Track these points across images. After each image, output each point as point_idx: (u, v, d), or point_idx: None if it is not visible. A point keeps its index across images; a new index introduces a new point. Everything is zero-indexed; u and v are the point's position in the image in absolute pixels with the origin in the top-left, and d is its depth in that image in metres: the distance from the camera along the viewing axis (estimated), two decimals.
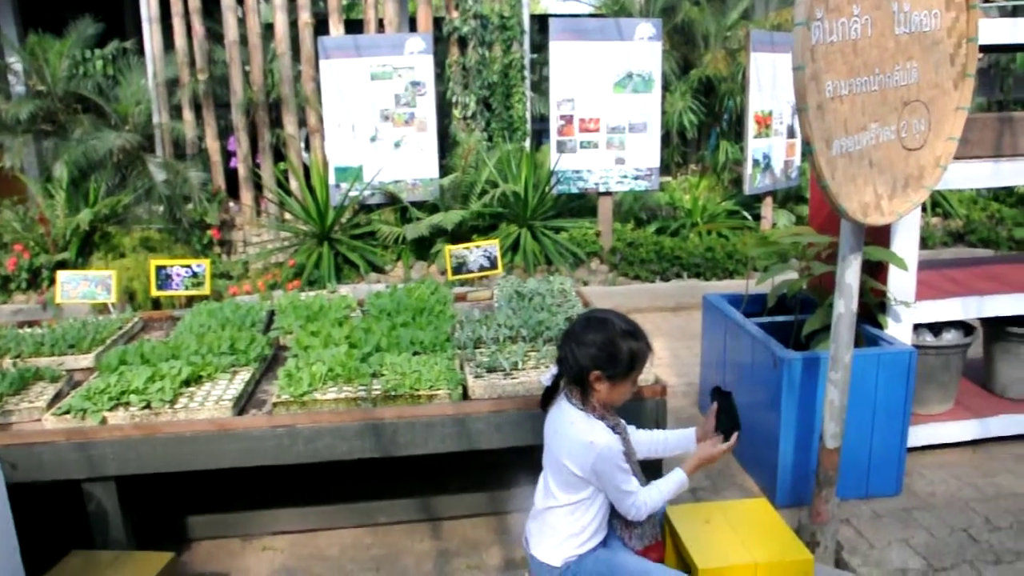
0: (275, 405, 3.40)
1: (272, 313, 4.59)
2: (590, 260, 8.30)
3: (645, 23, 8.21)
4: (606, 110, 8.28)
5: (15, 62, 9.63)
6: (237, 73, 8.90)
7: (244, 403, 3.55)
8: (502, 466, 3.83)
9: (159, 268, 5.01)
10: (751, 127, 8.46)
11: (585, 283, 7.99)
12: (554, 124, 8.29)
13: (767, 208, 8.84)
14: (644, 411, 3.41)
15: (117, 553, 3.28)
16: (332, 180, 8.29)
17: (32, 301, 8.08)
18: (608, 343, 2.52)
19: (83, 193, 8.52)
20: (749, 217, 8.88)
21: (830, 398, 3.29)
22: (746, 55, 8.44)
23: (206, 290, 5.08)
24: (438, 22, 9.39)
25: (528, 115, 9.30)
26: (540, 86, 10.19)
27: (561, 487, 2.60)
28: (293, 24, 8.90)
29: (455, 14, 9.03)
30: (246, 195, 9.24)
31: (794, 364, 3.81)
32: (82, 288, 4.92)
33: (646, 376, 3.49)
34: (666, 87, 9.95)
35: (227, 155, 9.38)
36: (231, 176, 9.42)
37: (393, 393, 3.38)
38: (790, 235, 4.48)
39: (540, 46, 10.12)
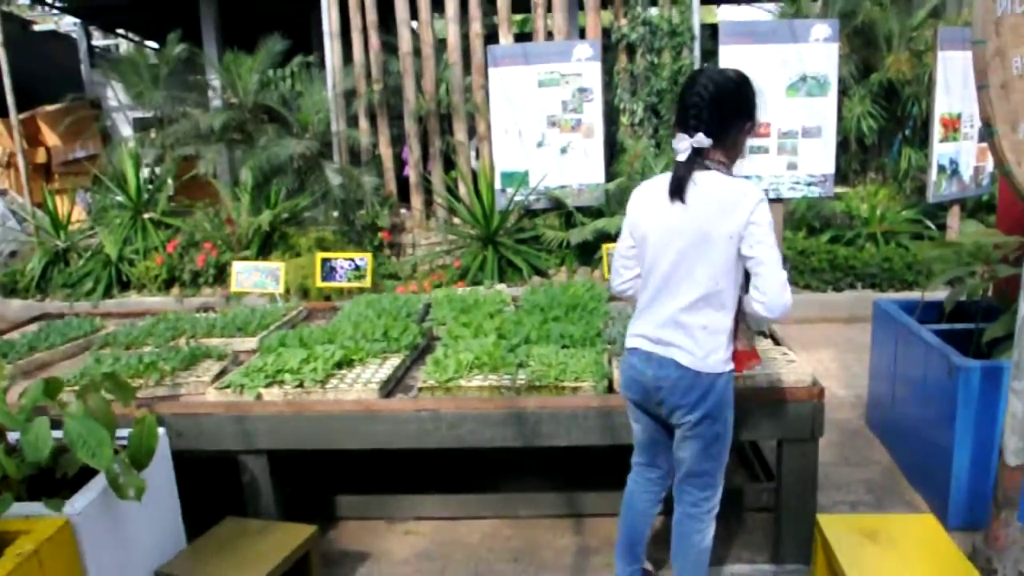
0: (420, 390, 3.43)
1: (428, 305, 4.66)
2: None
3: (821, 24, 7.82)
4: (778, 114, 7.94)
5: (213, 78, 10.39)
6: (410, 83, 9.18)
7: (392, 387, 3.60)
8: None
9: (324, 261, 5.20)
10: (937, 130, 7.89)
11: None
12: None
13: (953, 218, 8.21)
14: (799, 416, 3.19)
15: (266, 522, 3.40)
16: (498, 185, 8.39)
17: (217, 295, 8.61)
18: (747, 88, 2.54)
19: (265, 196, 9.01)
20: (933, 227, 8.28)
21: (1012, 410, 2.97)
22: (934, 53, 7.88)
23: (367, 282, 5.23)
24: (607, 31, 9.34)
25: None
26: None
27: (707, 272, 2.51)
28: (465, 36, 9.09)
29: (624, 21, 8.94)
30: (416, 200, 9.50)
31: (972, 373, 3.48)
32: (254, 278, 5.18)
33: (801, 376, 3.27)
34: (844, 92, 9.47)
35: (400, 162, 9.68)
36: (403, 182, 9.71)
37: (538, 383, 3.34)
38: (973, 237, 4.12)
39: (711, 53, 9.86)
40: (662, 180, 2.67)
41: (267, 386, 3.52)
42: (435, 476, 4.05)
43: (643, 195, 2.75)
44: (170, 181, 9.80)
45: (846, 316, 7.26)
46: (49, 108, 12.60)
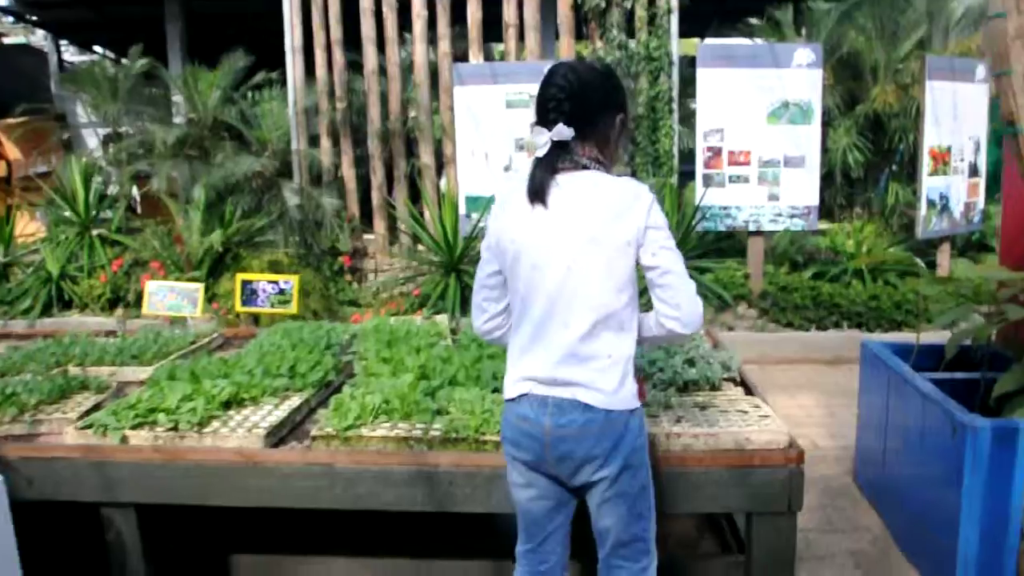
0: (314, 439, 2.79)
1: (354, 337, 4.03)
2: (737, 304, 7.37)
3: (803, 48, 7.32)
4: (758, 142, 7.40)
5: (176, 95, 9.81)
6: (375, 102, 8.61)
7: (286, 433, 2.96)
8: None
9: (245, 283, 4.56)
10: (926, 163, 7.36)
11: (730, 328, 7.07)
12: (700, 156, 7.49)
13: (943, 255, 7.65)
14: (773, 485, 2.56)
15: None
16: (463, 210, 7.79)
17: (161, 318, 7.95)
18: (613, 78, 2.19)
19: (219, 216, 8.38)
20: (922, 264, 7.71)
21: None
22: (921, 83, 7.37)
23: (293, 308, 4.59)
24: (581, 57, 8.81)
25: (675, 150, 8.51)
26: (688, 121, 9.41)
27: (604, 289, 2.08)
28: (433, 56, 8.55)
29: (600, 43, 8.41)
30: (380, 224, 8.88)
31: (981, 434, 2.87)
32: (168, 300, 4.54)
33: (776, 435, 2.64)
34: (828, 123, 8.96)
35: (365, 184, 9.07)
36: (367, 205, 9.10)
37: (454, 435, 2.70)
38: (976, 272, 3.53)
39: (690, 80, 9.35)
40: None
41: (136, 427, 2.88)
42: (352, 533, 3.39)
43: (508, 205, 2.21)
44: (137, 196, 9.24)
45: (830, 357, 6.65)
46: (11, 121, 11.98)
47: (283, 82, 9.08)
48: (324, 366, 3.43)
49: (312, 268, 8.41)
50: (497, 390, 3.12)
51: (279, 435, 2.90)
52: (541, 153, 2.11)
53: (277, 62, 9.08)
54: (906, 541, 3.51)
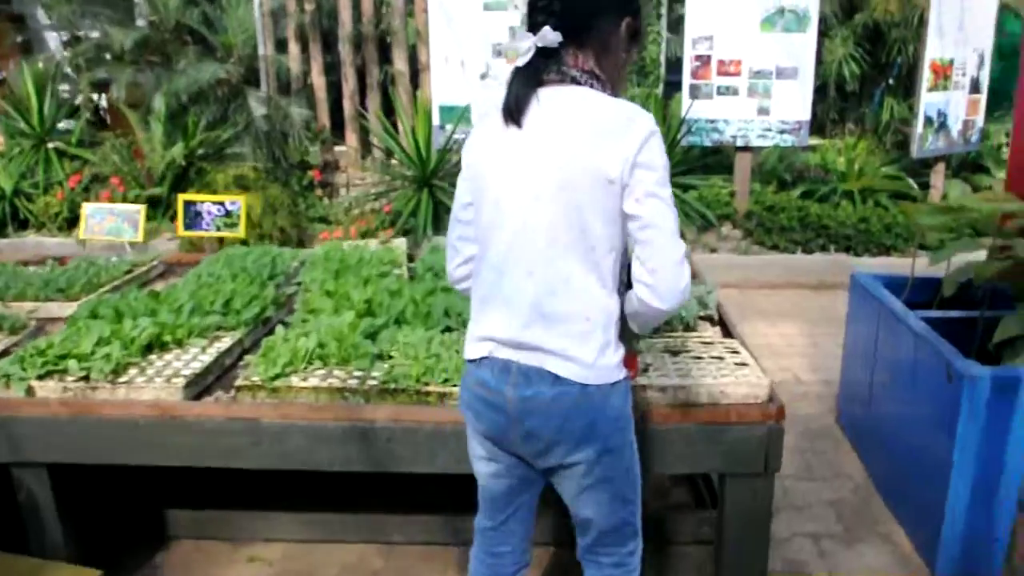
0: (238, 389, 2.48)
1: (303, 264, 3.69)
2: (721, 224, 7.03)
3: None
4: (750, 51, 6.93)
5: None
6: (346, 4, 8.04)
7: (211, 381, 2.64)
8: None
9: (187, 204, 4.18)
10: (926, 77, 6.92)
11: (713, 250, 6.74)
12: (688, 65, 7.02)
13: (938, 176, 7.29)
14: (749, 444, 2.27)
15: (37, 563, 2.48)
16: (436, 121, 7.33)
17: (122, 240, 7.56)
18: None
19: (182, 128, 7.91)
20: (915, 185, 7.35)
21: None
22: None
23: (240, 232, 4.22)
24: None
25: (663, 58, 8.04)
26: (677, 27, 8.86)
27: (580, 231, 1.68)
28: None
29: None
30: (351, 136, 8.42)
31: (980, 383, 2.58)
32: (107, 223, 4.17)
33: (754, 387, 2.34)
34: (825, 32, 8.44)
35: (335, 92, 8.56)
36: (339, 115, 8.61)
37: (393, 386, 2.38)
38: (979, 200, 3.19)
39: None
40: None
41: (43, 377, 2.55)
42: (294, 488, 3.12)
43: (482, 124, 1.84)
44: (105, 106, 8.70)
45: (816, 282, 6.36)
46: None
47: None
48: (262, 300, 3.09)
49: (280, 183, 7.97)
50: (449, 329, 2.81)
51: (203, 384, 2.58)
52: (522, 62, 1.72)
53: None
54: (890, 492, 3.26)
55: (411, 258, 3.94)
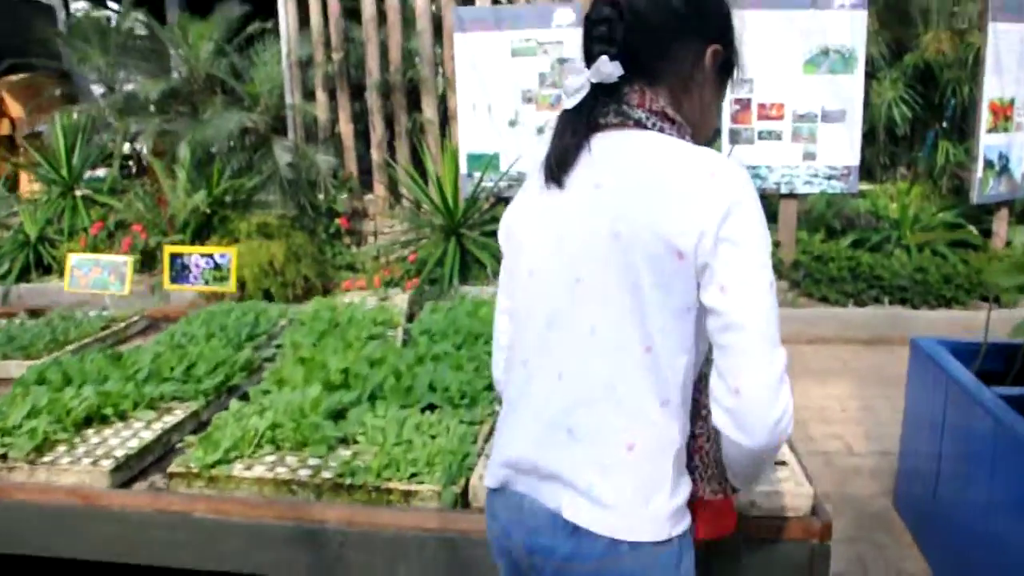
0: (171, 476, 2.06)
1: (291, 322, 3.30)
2: None
3: None
4: (793, 94, 6.48)
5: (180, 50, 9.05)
6: (374, 52, 7.77)
7: (150, 463, 2.22)
8: None
9: (173, 257, 3.82)
10: (985, 117, 6.40)
11: None
12: (727, 109, 6.59)
13: (1001, 223, 6.70)
14: (789, 565, 1.76)
15: None
16: (464, 169, 6.98)
17: (143, 284, 7.29)
18: None
19: (206, 176, 7.67)
20: (976, 231, 6.76)
21: None
22: (983, 23, 6.37)
23: (231, 286, 3.84)
24: None
25: None
26: None
27: (630, 320, 1.23)
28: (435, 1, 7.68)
29: None
30: (379, 184, 8.10)
31: None
32: (93, 275, 3.83)
33: (796, 497, 1.83)
34: (873, 75, 7.94)
35: (365, 140, 8.28)
36: (368, 163, 8.32)
37: (348, 481, 1.94)
38: None
39: None
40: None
41: None
42: None
43: (524, 187, 1.44)
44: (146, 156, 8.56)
45: (869, 336, 5.80)
46: (13, 78, 11.36)
47: (278, 32, 8.30)
48: (228, 367, 2.68)
49: (307, 231, 7.69)
50: (432, 407, 2.36)
51: (138, 467, 2.17)
52: (570, 103, 1.30)
53: (270, 10, 8.29)
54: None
55: (412, 317, 3.52)
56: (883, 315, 5.87)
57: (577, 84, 1.28)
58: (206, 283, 3.80)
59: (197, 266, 3.79)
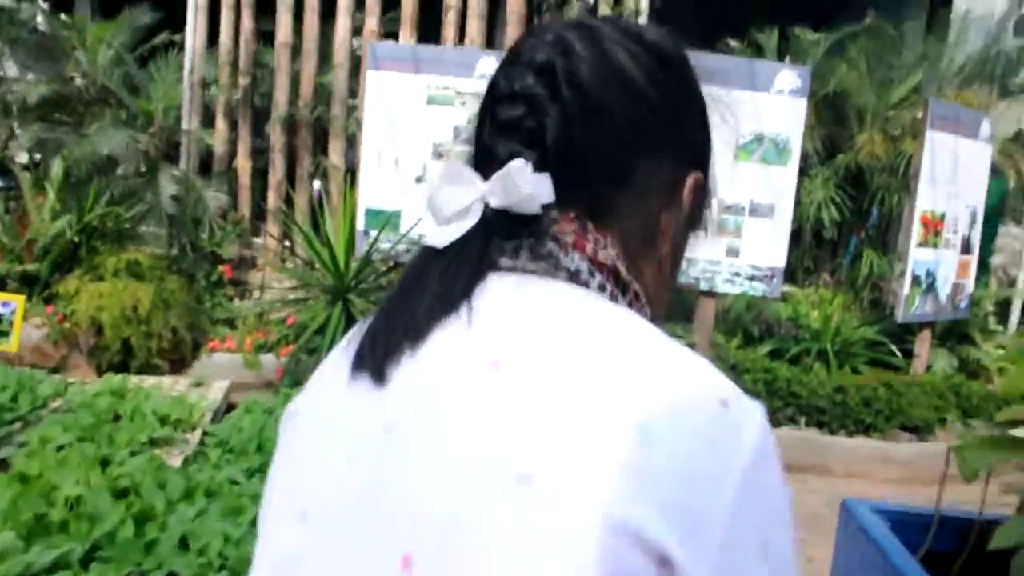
0: None
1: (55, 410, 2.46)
2: None
3: (788, 71, 5.84)
4: (721, 182, 5.89)
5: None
6: (283, 83, 7.01)
7: None
8: None
9: None
10: (916, 231, 5.95)
11: None
12: None
13: (923, 344, 6.23)
14: None
15: None
16: (360, 225, 6.20)
17: None
18: (681, 69, 0.84)
19: (79, 199, 6.74)
20: (898, 353, 6.28)
21: None
22: (921, 131, 5.95)
23: (11, 345, 3.00)
24: None
25: None
26: None
27: None
28: (358, 32, 6.98)
29: None
30: (273, 229, 7.27)
31: None
32: None
33: None
34: (805, 171, 7.52)
35: (262, 180, 7.46)
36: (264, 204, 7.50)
37: None
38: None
39: None
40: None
41: None
42: None
43: (322, 372, 0.76)
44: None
45: (785, 462, 5.19)
46: None
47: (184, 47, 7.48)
48: None
49: (184, 275, 6.79)
50: None
51: None
52: (444, 238, 0.70)
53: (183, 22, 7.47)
54: None
55: (231, 409, 2.74)
56: (798, 439, 5.25)
57: (460, 204, 0.69)
58: None
59: None
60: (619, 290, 0.72)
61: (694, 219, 0.82)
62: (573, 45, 0.70)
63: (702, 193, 0.81)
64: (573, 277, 0.69)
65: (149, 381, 3.09)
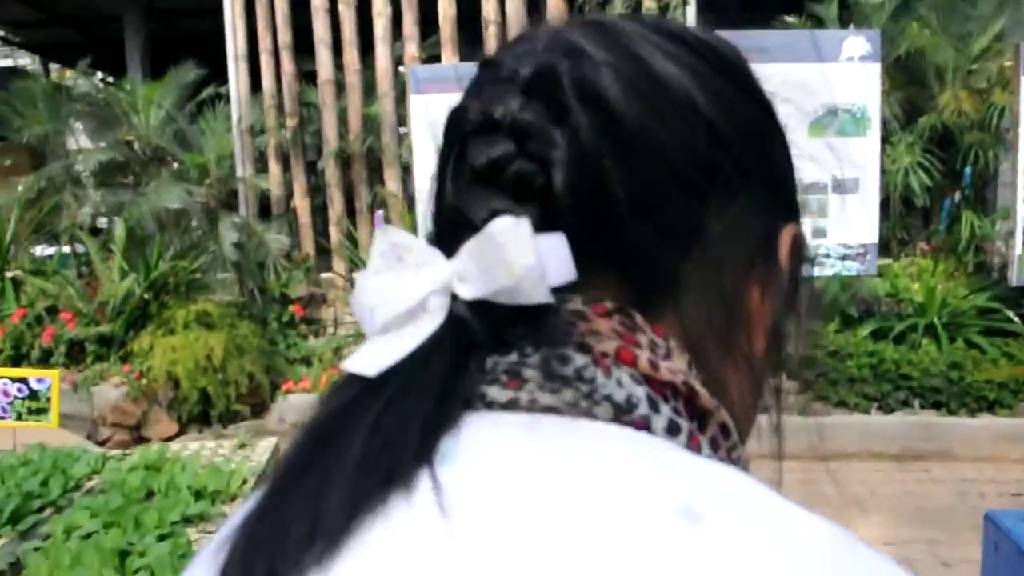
0: None
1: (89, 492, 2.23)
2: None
3: (855, 37, 5.37)
4: (798, 160, 5.45)
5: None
6: (330, 119, 6.87)
7: None
8: None
9: None
10: (1022, 184, 5.37)
11: (764, 410, 5.12)
12: None
13: None
14: None
15: None
16: None
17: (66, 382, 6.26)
18: (742, 75, 0.48)
19: (143, 258, 6.71)
20: (1015, 319, 5.67)
21: None
22: (1015, 77, 5.39)
23: (52, 421, 2.79)
24: None
25: None
26: None
27: None
28: (400, 62, 6.79)
29: None
30: (339, 265, 7.11)
31: None
32: None
33: None
34: (886, 139, 6.96)
35: (322, 217, 7.32)
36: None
37: None
38: None
39: None
40: None
41: None
42: None
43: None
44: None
45: (898, 450, 4.70)
46: None
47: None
48: None
49: (256, 320, 6.68)
50: None
51: None
52: (377, 363, 0.38)
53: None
54: None
55: None
56: (915, 424, 4.75)
57: (408, 299, 0.40)
58: (19, 417, 2.74)
59: (7, 395, 2.74)
60: (695, 425, 0.42)
61: (793, 294, 0.51)
62: (581, 47, 0.44)
63: (800, 254, 0.51)
64: (622, 413, 0.39)
65: (192, 446, 2.85)
